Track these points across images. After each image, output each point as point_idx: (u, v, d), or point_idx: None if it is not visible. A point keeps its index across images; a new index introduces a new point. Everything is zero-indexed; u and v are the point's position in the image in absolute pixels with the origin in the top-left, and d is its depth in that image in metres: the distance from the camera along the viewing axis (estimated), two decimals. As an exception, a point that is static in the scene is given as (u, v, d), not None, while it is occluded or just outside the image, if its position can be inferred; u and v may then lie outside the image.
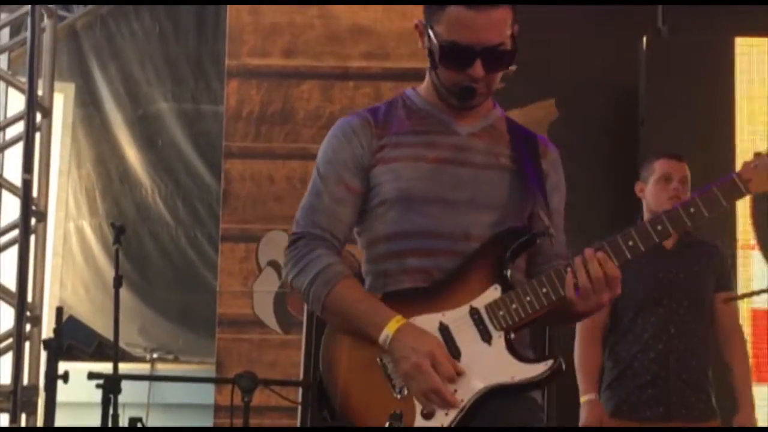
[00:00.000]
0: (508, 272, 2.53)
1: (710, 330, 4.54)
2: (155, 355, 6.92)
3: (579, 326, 4.57)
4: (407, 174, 2.59)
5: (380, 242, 2.62)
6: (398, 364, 2.46)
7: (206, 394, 5.87)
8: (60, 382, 4.44)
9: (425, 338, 2.46)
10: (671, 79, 5.66)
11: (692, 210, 2.52)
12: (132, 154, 7.05)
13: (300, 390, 4.22)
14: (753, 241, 5.62)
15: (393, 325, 2.47)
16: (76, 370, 4.59)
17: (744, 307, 5.43)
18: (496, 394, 2.47)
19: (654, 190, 4.57)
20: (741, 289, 5.16)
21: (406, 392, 2.47)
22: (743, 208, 5.61)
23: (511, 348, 2.49)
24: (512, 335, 2.50)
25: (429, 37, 2.58)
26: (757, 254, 5.57)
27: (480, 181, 2.60)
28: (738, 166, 2.61)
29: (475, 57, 2.53)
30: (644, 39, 5.71)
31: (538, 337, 4.67)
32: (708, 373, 4.50)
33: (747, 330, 5.40)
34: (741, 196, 2.54)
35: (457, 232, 2.56)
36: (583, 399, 4.52)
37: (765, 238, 5.62)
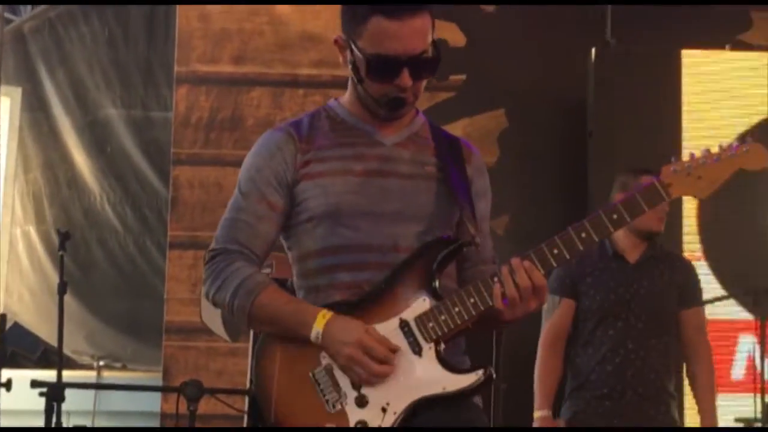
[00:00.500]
0: (437, 283, 2.53)
1: (673, 343, 4.56)
2: (102, 363, 6.86)
3: (541, 338, 4.59)
4: (335, 189, 2.58)
5: (310, 257, 2.61)
6: (334, 360, 2.48)
7: (153, 401, 5.83)
8: (3, 390, 4.39)
9: (351, 328, 2.48)
10: (619, 90, 5.71)
11: (615, 216, 2.52)
12: (80, 159, 6.99)
13: (247, 398, 4.20)
14: (699, 252, 5.67)
15: (320, 320, 2.48)
16: (21, 377, 4.54)
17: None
18: (430, 404, 2.49)
19: None
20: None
21: (339, 407, 2.48)
22: (690, 218, 5.66)
23: (442, 359, 2.50)
24: (443, 346, 2.51)
25: (352, 51, 2.56)
26: (703, 265, 5.61)
27: (407, 191, 2.60)
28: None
29: (401, 67, 2.52)
30: (593, 51, 5.75)
31: (486, 342, 4.72)
32: (668, 386, 4.52)
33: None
34: (662, 200, 2.54)
35: (386, 245, 2.56)
36: (536, 414, 4.53)
37: (711, 248, 5.67)
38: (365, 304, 2.52)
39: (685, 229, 5.63)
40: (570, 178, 5.86)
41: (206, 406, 4.46)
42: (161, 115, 6.83)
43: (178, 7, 6.06)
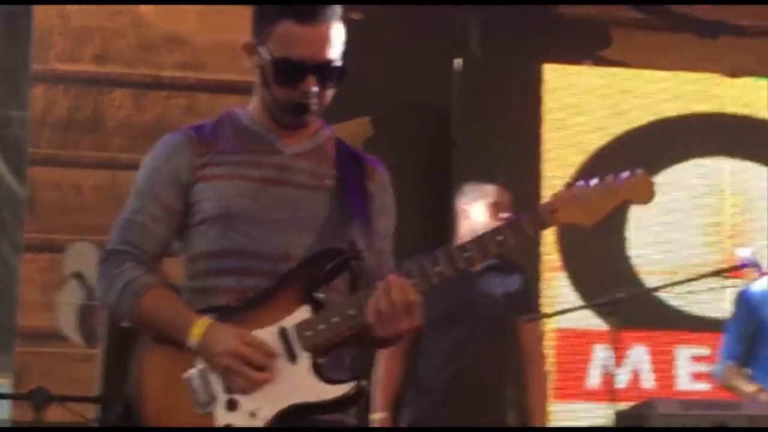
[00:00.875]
0: (320, 293, 2.52)
1: (512, 350, 4.63)
2: (-49, 369, 6.66)
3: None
4: (228, 192, 2.57)
5: (200, 259, 2.60)
6: (212, 370, 2.48)
7: (3, 409, 5.68)
8: None
9: (227, 337, 2.47)
10: (482, 101, 5.78)
11: (499, 238, 2.54)
12: (-65, 159, 6.78)
13: (98, 406, 4.13)
14: (558, 263, 5.77)
15: (195, 332, 2.48)
16: None
17: (550, 327, 5.57)
18: (300, 412, 2.48)
19: (486, 215, 4.63)
20: (546, 310, 5.29)
21: (209, 409, 2.48)
22: (550, 230, 5.75)
23: (317, 369, 2.49)
24: (320, 356, 2.50)
25: (259, 54, 2.58)
26: (562, 276, 5.71)
27: (302, 201, 2.60)
28: (544, 192, 2.66)
29: (307, 72, 2.54)
30: (458, 61, 5.81)
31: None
32: (504, 393, 4.60)
33: (552, 349, 5.55)
34: (547, 226, 2.59)
35: (276, 253, 2.55)
36: (374, 416, 4.55)
37: (571, 260, 5.77)
38: (247, 310, 2.52)
39: (544, 239, 5.72)
40: (435, 187, 5.90)
41: (55, 413, 4.37)
42: (19, 114, 6.67)
43: (34, 3, 5.93)
